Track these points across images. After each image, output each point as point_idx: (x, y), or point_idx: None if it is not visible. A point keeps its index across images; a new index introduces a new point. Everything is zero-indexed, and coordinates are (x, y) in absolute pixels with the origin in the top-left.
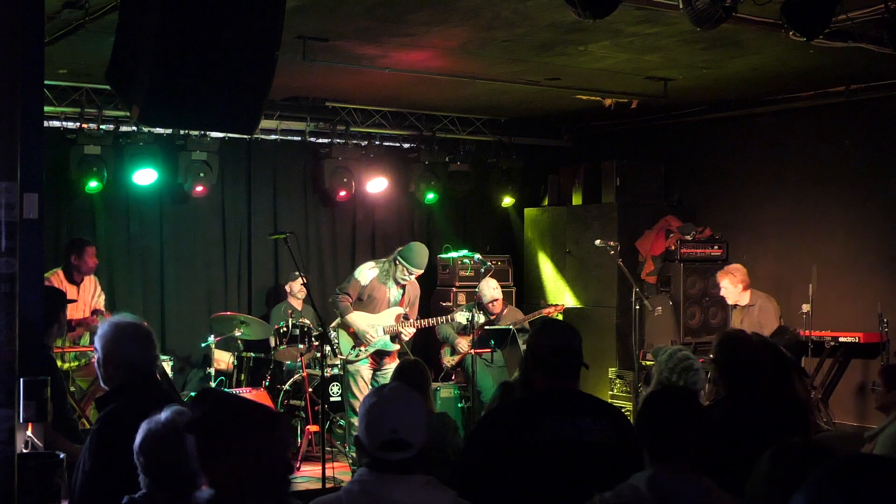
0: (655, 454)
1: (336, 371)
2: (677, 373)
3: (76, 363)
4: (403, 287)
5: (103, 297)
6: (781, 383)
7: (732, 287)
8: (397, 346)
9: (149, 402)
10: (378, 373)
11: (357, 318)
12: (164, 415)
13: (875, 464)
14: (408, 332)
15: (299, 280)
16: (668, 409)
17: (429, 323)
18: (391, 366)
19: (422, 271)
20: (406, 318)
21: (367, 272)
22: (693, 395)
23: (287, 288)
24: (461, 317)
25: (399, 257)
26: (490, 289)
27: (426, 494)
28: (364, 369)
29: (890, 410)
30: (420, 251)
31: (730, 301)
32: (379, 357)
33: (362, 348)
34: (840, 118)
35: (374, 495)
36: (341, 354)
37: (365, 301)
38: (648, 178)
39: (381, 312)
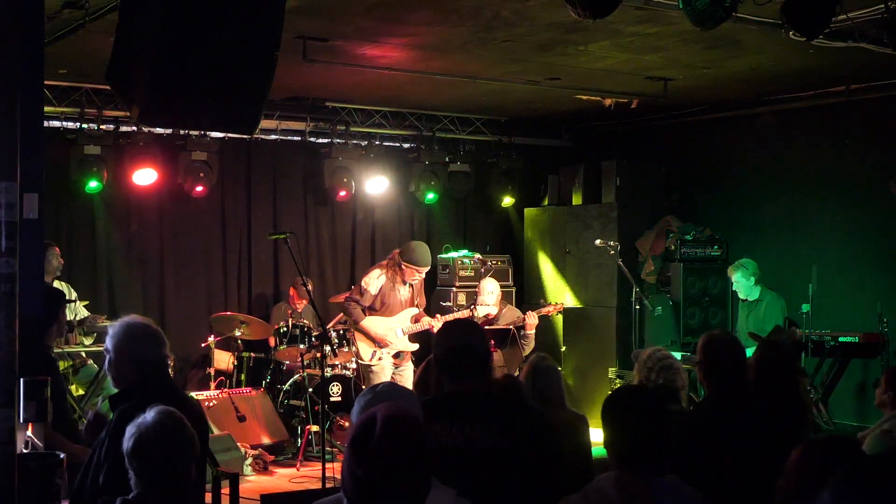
0: (621, 459)
1: (336, 371)
2: (656, 372)
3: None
4: (411, 284)
5: (82, 308)
6: (778, 383)
7: (746, 280)
8: (416, 346)
9: (162, 400)
10: (393, 374)
11: (373, 324)
12: (150, 416)
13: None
14: (429, 323)
15: (301, 288)
16: (629, 411)
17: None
18: (406, 365)
19: (429, 267)
20: (425, 311)
21: (375, 281)
22: (653, 393)
23: (290, 291)
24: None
25: (405, 261)
26: (489, 287)
27: None
28: (388, 367)
29: (885, 409)
30: (423, 250)
31: (742, 295)
32: (396, 357)
33: (384, 351)
34: (840, 118)
35: None
36: (362, 360)
37: (379, 309)
38: (648, 178)
39: (396, 315)
